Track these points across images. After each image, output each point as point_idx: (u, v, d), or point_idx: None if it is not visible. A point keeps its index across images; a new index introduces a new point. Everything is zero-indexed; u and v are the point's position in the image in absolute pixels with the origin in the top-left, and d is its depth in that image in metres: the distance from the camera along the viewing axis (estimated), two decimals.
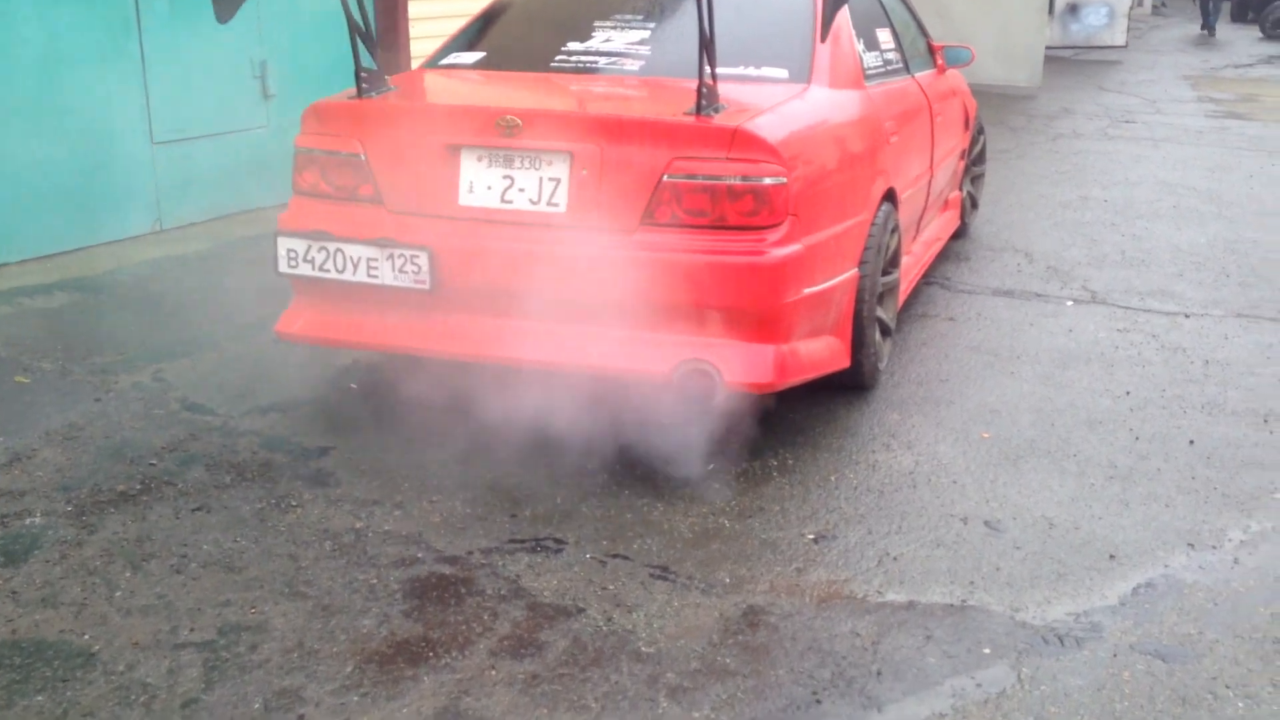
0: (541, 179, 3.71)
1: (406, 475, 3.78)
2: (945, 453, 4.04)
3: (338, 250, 3.80)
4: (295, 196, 4.03)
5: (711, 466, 3.89)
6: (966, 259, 6.52)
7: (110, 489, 3.66)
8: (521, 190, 3.73)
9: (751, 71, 4.15)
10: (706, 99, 3.61)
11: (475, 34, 4.67)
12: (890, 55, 5.04)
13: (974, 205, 7.07)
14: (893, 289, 4.70)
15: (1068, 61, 17.00)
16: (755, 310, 3.61)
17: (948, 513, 3.62)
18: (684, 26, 4.40)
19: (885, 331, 4.65)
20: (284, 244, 3.88)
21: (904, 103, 4.92)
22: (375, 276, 3.78)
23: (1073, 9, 17.88)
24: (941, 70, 5.94)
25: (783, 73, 4.15)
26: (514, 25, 4.69)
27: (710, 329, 3.64)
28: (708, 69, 3.59)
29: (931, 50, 5.96)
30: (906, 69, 5.25)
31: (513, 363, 3.78)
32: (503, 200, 3.75)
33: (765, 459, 3.97)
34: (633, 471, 3.79)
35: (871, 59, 4.71)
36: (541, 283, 3.67)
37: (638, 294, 3.61)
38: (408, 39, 7.41)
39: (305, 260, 3.86)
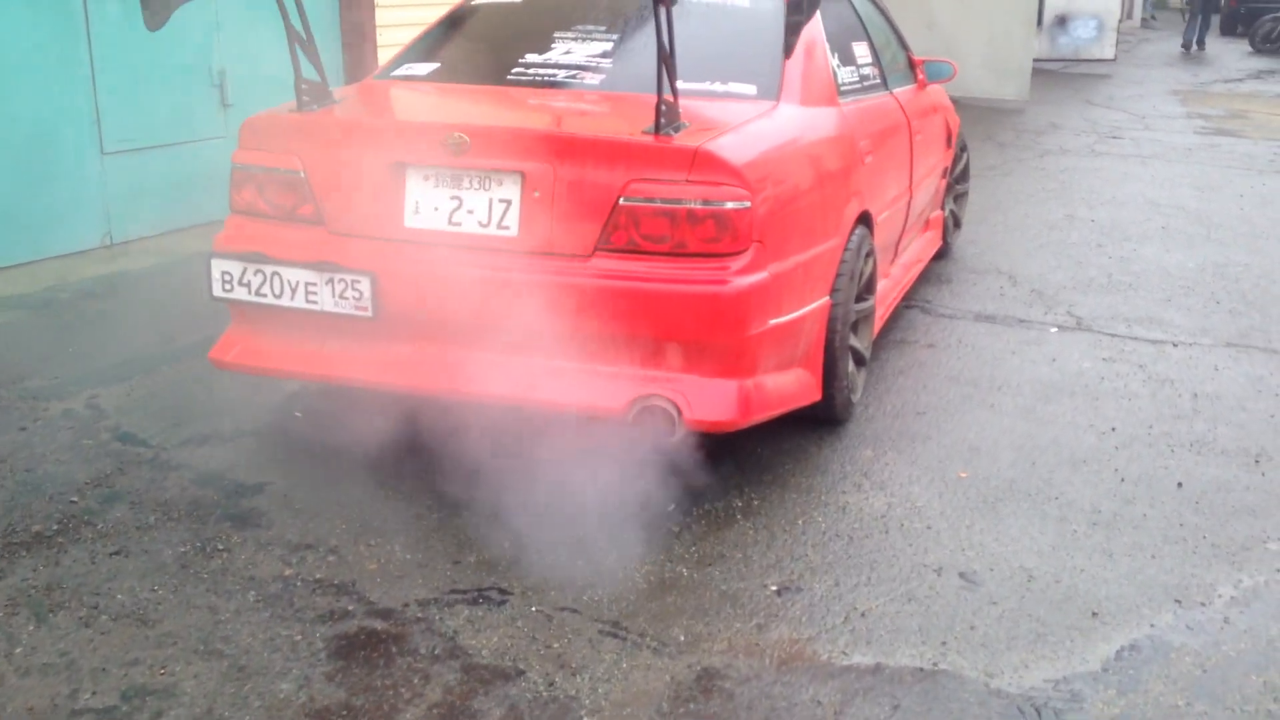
0: (492, 200, 3.48)
1: (346, 515, 3.54)
2: (920, 494, 3.81)
3: (275, 274, 3.57)
4: (232, 215, 3.80)
5: (672, 507, 3.66)
6: (948, 281, 6.30)
7: (25, 529, 3.41)
8: (470, 212, 3.50)
9: (718, 88, 3.92)
10: (666, 117, 3.38)
11: (432, 43, 4.44)
12: (867, 70, 4.82)
13: (957, 225, 6.86)
14: (868, 316, 4.47)
15: (1056, 75, 16.84)
16: (717, 343, 3.38)
17: (920, 562, 3.39)
18: (648, 39, 4.16)
19: (860, 361, 4.42)
20: (218, 266, 3.64)
21: (881, 121, 4.70)
22: (314, 302, 3.55)
23: (1061, 21, 17.72)
24: (922, 86, 5.73)
25: (751, 89, 3.93)
26: (472, 35, 4.46)
27: (670, 362, 3.42)
28: (667, 85, 3.36)
29: (912, 65, 5.75)
30: (884, 85, 5.03)
31: (459, 396, 3.55)
32: (450, 222, 3.51)
33: (729, 499, 3.74)
34: (588, 513, 3.54)
35: (846, 74, 4.49)
36: (491, 311, 3.44)
37: (592, 324, 3.38)
38: (374, 46, 7.17)
39: (240, 284, 3.62)
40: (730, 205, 3.34)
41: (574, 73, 3.99)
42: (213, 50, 6.36)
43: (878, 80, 4.94)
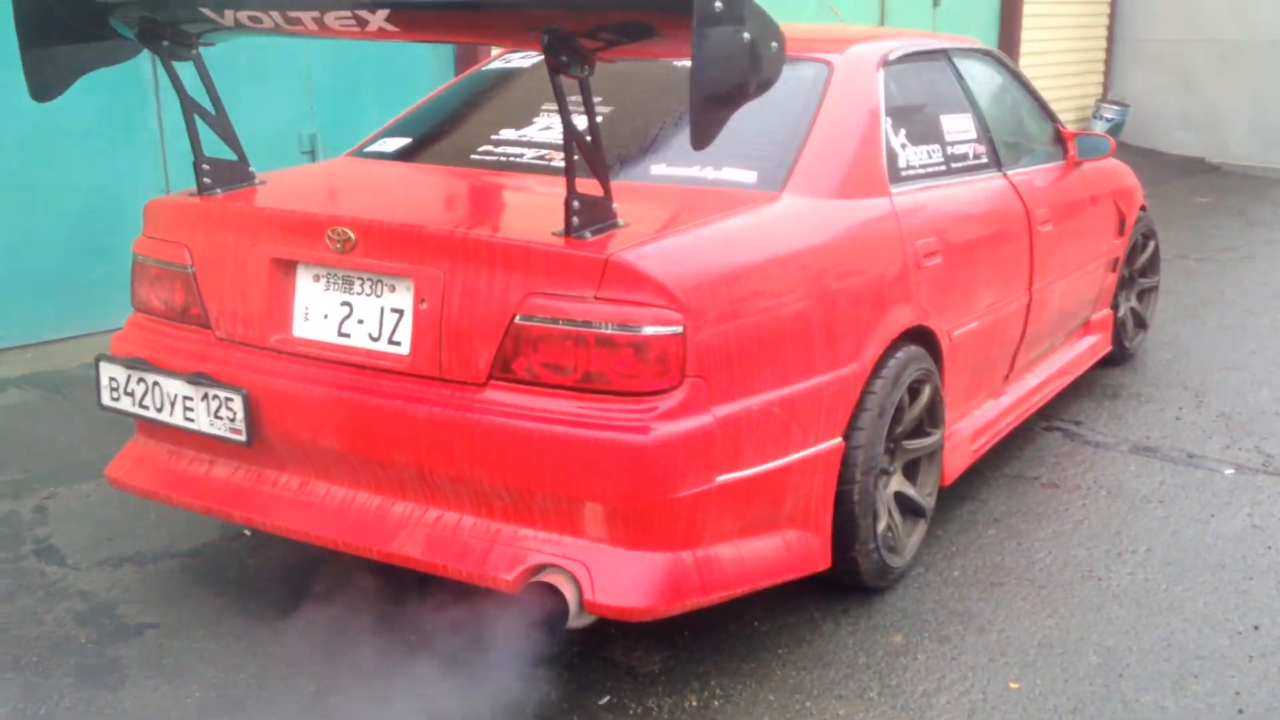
0: (384, 309, 2.83)
1: (209, 681, 2.94)
2: (941, 713, 2.87)
3: (155, 384, 3.04)
4: (134, 313, 3.31)
5: (607, 699, 2.89)
6: (1114, 396, 5.19)
7: None
8: (360, 322, 2.86)
9: (707, 174, 3.14)
10: (580, 215, 2.64)
11: (420, 113, 3.85)
12: (963, 149, 3.89)
13: (1140, 325, 5.71)
14: (932, 455, 3.55)
15: None
16: (632, 506, 2.60)
17: None
18: (652, 112, 3.46)
19: (916, 512, 3.50)
20: (106, 371, 3.15)
21: (970, 210, 3.77)
22: (191, 421, 3.00)
23: None
24: (1073, 164, 4.70)
25: (749, 176, 3.13)
26: (462, 105, 3.84)
27: (581, 526, 2.66)
28: (589, 173, 2.64)
29: (1062, 139, 4.73)
30: (996, 164, 4.08)
31: (331, 546, 2.90)
32: (340, 333, 2.89)
33: (684, 694, 2.92)
34: (499, 704, 2.83)
35: (917, 155, 3.60)
36: (369, 446, 2.79)
37: (482, 471, 2.68)
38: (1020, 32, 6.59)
39: (126, 393, 3.12)
40: (649, 331, 2.56)
41: (544, 153, 3.31)
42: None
43: (982, 160, 4.00)
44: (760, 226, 2.94)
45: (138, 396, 3.09)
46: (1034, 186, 4.27)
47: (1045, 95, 4.85)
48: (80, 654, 3.06)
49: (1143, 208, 5.54)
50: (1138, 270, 5.62)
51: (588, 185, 2.70)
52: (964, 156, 3.89)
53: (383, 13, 2.57)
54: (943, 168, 3.74)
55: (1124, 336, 5.50)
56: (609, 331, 2.57)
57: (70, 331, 5.34)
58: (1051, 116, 4.77)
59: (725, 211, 2.91)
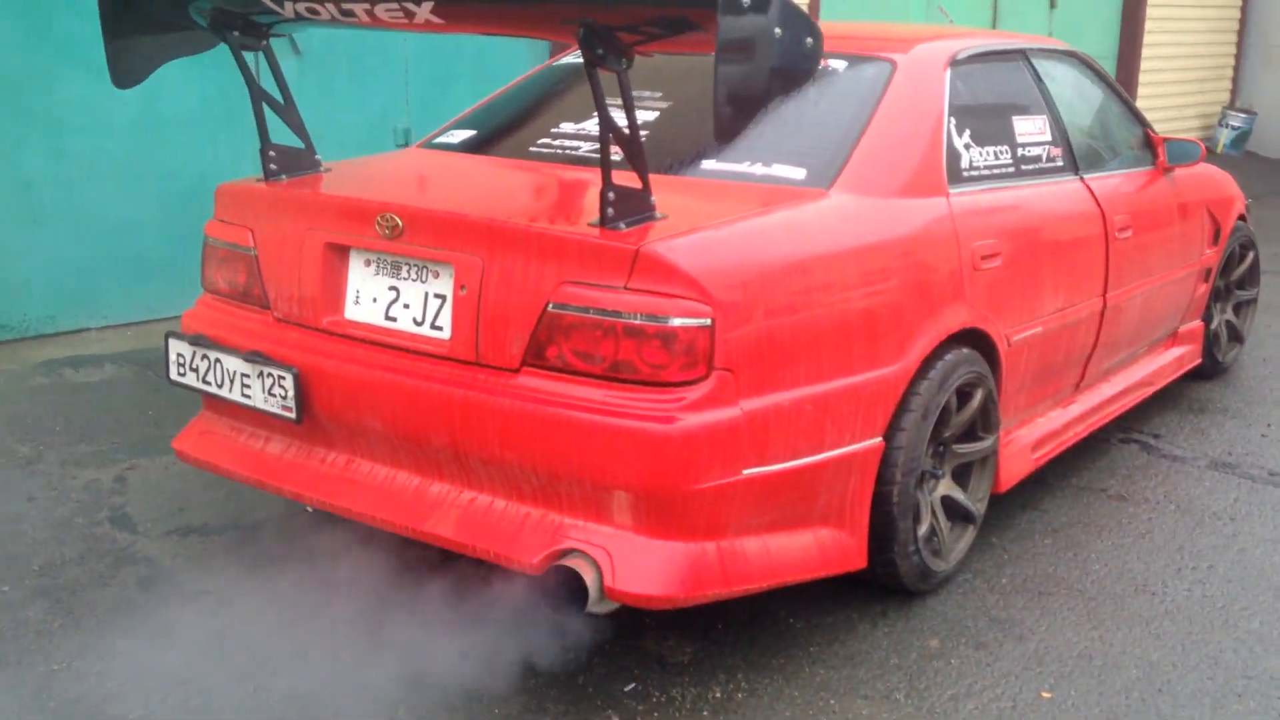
0: (428, 294, 2.91)
1: (255, 647, 3.05)
2: (965, 716, 2.84)
3: (217, 360, 3.17)
4: (203, 292, 3.46)
5: (633, 686, 2.93)
6: (1201, 410, 5.04)
7: None
8: (406, 306, 2.95)
9: (756, 170, 3.15)
10: (615, 206, 2.69)
11: (489, 107, 3.93)
12: (1035, 151, 3.82)
13: (1236, 339, 5.53)
14: (984, 461, 3.51)
15: None
16: (656, 495, 2.63)
17: None
18: (704, 106, 3.47)
19: (967, 518, 3.47)
20: (174, 347, 3.30)
21: (1035, 214, 3.71)
22: (248, 397, 3.12)
23: None
24: (1161, 170, 4.58)
25: (798, 173, 3.13)
26: (527, 98, 3.91)
27: (605, 513, 2.70)
28: (627, 165, 2.69)
29: (1152, 145, 4.61)
30: (1072, 168, 4.00)
31: (372, 522, 2.99)
32: (387, 317, 2.98)
33: (709, 685, 2.94)
34: (527, 681, 2.89)
35: (983, 156, 3.55)
36: (413, 427, 2.87)
37: (511, 455, 2.73)
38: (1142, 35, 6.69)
39: (191, 369, 3.26)
40: (677, 322, 2.59)
41: (598, 146, 3.35)
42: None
43: (1056, 163, 3.93)
44: (801, 223, 2.94)
45: (201, 372, 3.22)
46: (1114, 191, 4.17)
47: (1168, 101, 4.76)
48: (137, 616, 3.20)
49: (1242, 217, 5.36)
50: (1234, 282, 5.45)
51: (629, 178, 2.75)
52: (1036, 159, 3.83)
53: (428, 5, 2.65)
54: (1011, 170, 3.68)
55: (1216, 349, 5.34)
56: (638, 322, 2.60)
57: (169, 312, 5.54)
58: (1140, 121, 4.65)
59: (766, 207, 2.92)
